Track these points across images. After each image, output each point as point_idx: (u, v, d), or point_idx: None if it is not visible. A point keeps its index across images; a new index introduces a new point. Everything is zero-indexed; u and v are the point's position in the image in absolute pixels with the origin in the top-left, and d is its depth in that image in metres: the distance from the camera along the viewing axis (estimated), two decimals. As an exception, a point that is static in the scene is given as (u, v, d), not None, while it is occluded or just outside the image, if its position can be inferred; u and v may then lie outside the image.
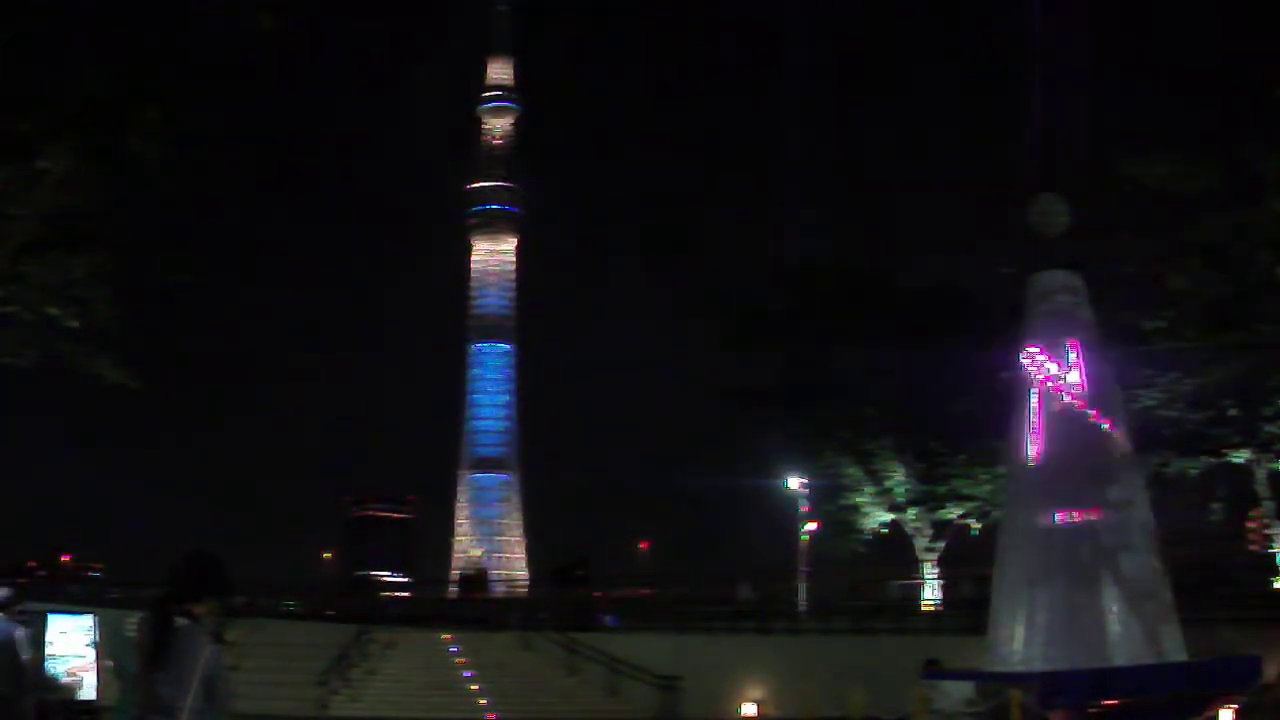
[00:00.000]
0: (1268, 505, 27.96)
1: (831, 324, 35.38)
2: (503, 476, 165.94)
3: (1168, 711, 15.17)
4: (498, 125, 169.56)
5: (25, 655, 10.03)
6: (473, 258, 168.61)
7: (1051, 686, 15.20)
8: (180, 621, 5.39)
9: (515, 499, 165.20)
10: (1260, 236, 24.58)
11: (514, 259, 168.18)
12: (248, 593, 34.82)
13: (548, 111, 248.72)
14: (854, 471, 36.34)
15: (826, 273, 37.55)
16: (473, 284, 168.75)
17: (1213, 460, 28.05)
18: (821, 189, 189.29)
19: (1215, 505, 28.96)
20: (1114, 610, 16.92)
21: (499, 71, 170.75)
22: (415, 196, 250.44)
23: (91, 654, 12.46)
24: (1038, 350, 18.10)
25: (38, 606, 12.59)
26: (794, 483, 37.26)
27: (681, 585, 46.19)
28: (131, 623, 5.47)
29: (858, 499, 36.54)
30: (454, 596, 74.96)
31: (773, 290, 39.39)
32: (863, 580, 38.83)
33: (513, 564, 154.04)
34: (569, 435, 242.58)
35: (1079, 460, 17.82)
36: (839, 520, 36.94)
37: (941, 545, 35.97)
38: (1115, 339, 22.66)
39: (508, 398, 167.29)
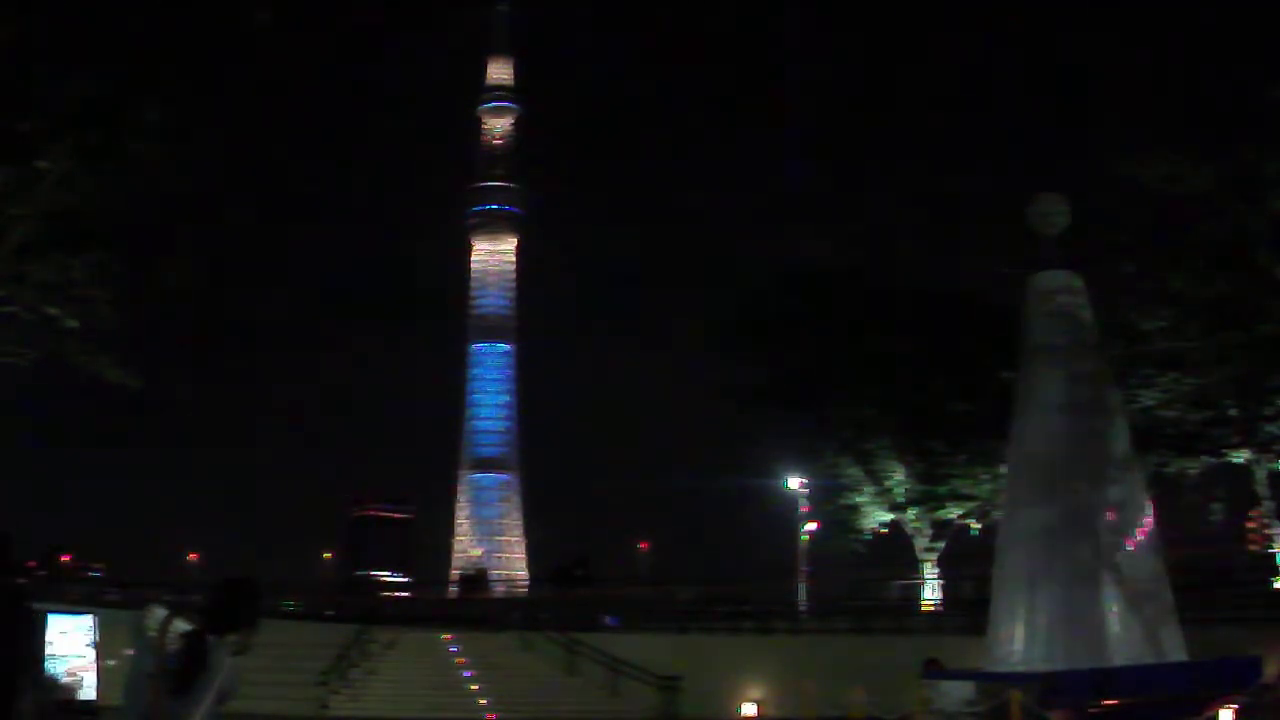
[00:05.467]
0: (1268, 505, 27.91)
1: (832, 324, 35.35)
2: (503, 476, 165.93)
3: (1168, 711, 15.15)
4: (498, 125, 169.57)
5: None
6: (473, 258, 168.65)
7: (1051, 686, 15.19)
8: (208, 638, 5.40)
9: (515, 499, 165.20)
10: (1260, 236, 24.54)
11: (514, 259, 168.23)
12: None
13: (548, 111, 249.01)
14: (854, 471, 36.33)
15: (827, 273, 37.53)
16: (473, 284, 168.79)
17: (1213, 460, 28.02)
18: (825, 188, 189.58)
19: (1215, 505, 28.92)
20: (1114, 610, 16.92)
21: (499, 71, 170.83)
22: (415, 197, 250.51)
23: (91, 654, 12.40)
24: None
25: (38, 606, 12.56)
26: (794, 483, 37.26)
27: (682, 585, 46.12)
28: (152, 622, 5.44)
29: (858, 499, 36.53)
30: (454, 596, 74.98)
31: (773, 290, 39.35)
32: (863, 580, 38.79)
33: (513, 564, 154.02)
34: (569, 435, 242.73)
35: (1079, 460, 17.82)
36: (839, 520, 36.94)
37: (941, 545, 35.94)
38: (1115, 339, 22.65)
39: (508, 398, 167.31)
